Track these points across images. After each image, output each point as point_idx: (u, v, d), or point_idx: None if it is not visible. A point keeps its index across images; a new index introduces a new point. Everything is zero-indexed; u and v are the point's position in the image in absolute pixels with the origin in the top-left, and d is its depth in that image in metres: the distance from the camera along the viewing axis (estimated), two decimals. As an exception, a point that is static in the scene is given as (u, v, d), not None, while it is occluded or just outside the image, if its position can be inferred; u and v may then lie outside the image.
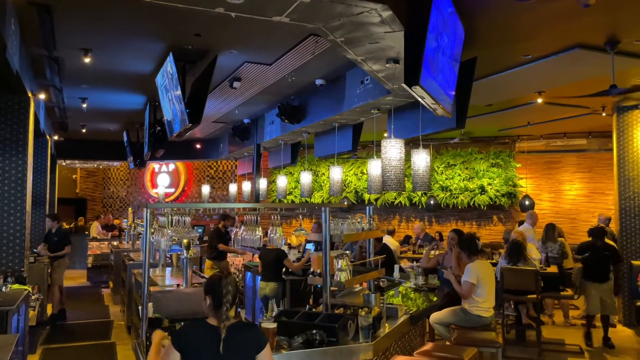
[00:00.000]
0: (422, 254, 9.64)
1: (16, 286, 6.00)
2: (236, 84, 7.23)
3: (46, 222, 8.73)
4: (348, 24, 4.03)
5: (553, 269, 7.66)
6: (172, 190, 17.02)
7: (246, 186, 12.16)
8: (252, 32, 5.42)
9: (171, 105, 6.63)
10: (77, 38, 5.75)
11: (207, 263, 9.02)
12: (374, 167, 7.23)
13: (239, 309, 7.94)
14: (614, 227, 9.12)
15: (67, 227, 15.19)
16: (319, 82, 7.30)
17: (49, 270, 8.21)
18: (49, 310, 8.42)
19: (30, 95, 6.60)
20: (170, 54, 5.90)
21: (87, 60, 6.19)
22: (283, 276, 7.03)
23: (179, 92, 6.06)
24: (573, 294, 7.24)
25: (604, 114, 9.04)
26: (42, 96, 7.62)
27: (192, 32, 5.45)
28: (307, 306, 4.38)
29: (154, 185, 17.11)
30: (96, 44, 5.95)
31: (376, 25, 4.07)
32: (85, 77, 7.34)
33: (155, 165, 16.92)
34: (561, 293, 7.26)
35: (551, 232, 8.30)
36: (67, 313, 8.64)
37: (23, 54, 5.68)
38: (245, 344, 2.67)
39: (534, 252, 8.02)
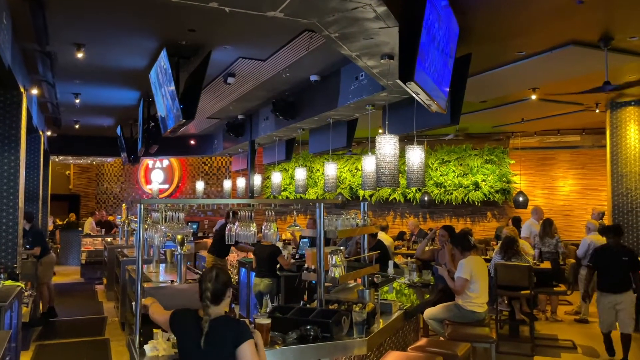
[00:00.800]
0: (416, 250, 9.68)
1: (9, 282, 5.97)
2: (230, 80, 7.20)
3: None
4: (342, 19, 4.02)
5: (546, 264, 7.70)
6: (166, 186, 16.98)
7: (240, 182, 12.14)
8: (247, 27, 5.40)
9: (165, 101, 6.60)
10: (69, 33, 5.70)
11: (210, 258, 8.48)
12: (369, 164, 7.23)
13: (233, 305, 7.95)
14: (607, 222, 9.18)
15: (60, 223, 15.16)
16: (313, 78, 7.28)
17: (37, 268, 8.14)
18: (41, 307, 8.38)
19: (22, 90, 6.55)
20: (164, 49, 5.87)
21: (80, 55, 6.14)
22: (277, 272, 7.03)
23: (172, 87, 6.03)
24: (566, 289, 7.29)
25: (597, 111, 9.08)
26: (34, 91, 7.56)
27: (186, 27, 5.42)
28: (302, 302, 4.39)
29: (148, 182, 17.05)
30: (89, 39, 5.90)
31: (371, 21, 4.06)
32: (78, 72, 7.29)
33: (149, 161, 16.87)
34: (554, 289, 7.30)
35: (549, 227, 8.37)
36: (61, 309, 8.61)
37: (15, 48, 5.64)
38: (223, 338, 2.69)
39: (528, 248, 8.07)
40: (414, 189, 12.98)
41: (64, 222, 15.18)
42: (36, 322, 7.83)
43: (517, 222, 10.33)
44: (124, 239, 10.43)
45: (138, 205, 3.46)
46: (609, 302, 6.06)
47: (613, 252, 6.14)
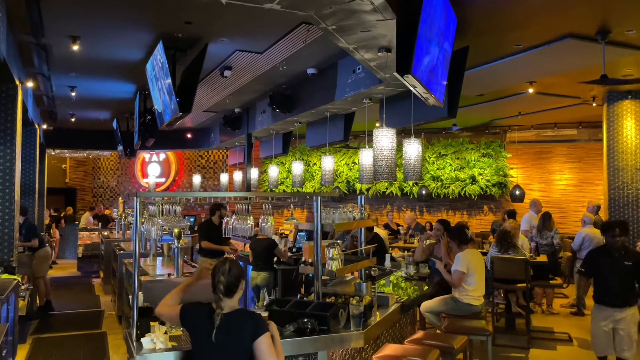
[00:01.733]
0: (412, 243, 9.69)
1: (5, 276, 5.96)
2: (227, 73, 7.17)
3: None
4: (339, 11, 4.00)
5: (543, 257, 7.73)
6: (163, 180, 16.94)
7: (237, 176, 12.12)
8: (243, 19, 5.37)
9: (161, 94, 6.57)
10: (65, 25, 5.66)
11: (201, 261, 7.87)
12: (366, 157, 7.22)
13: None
14: (603, 216, 9.21)
15: (59, 215, 15.11)
16: (310, 71, 7.26)
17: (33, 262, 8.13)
18: (38, 301, 8.37)
19: (18, 83, 6.51)
20: (160, 42, 5.84)
21: (75, 47, 6.10)
22: (275, 265, 7.04)
23: (169, 80, 6.00)
24: (562, 282, 7.31)
25: (594, 104, 9.09)
26: (30, 84, 7.51)
27: (182, 20, 5.38)
28: (299, 295, 4.39)
29: (145, 175, 17.01)
30: (85, 31, 5.87)
31: (368, 13, 4.04)
32: (74, 65, 7.25)
33: (145, 155, 16.81)
34: (550, 282, 7.33)
35: (548, 221, 8.41)
36: (57, 303, 8.59)
37: (10, 41, 5.59)
38: (239, 331, 2.68)
39: (525, 242, 8.10)
40: (411, 183, 12.99)
41: (62, 216, 15.12)
42: (33, 315, 7.83)
43: (512, 215, 10.35)
44: (121, 232, 10.42)
45: (134, 198, 3.44)
46: (606, 318, 4.83)
47: (614, 256, 4.80)
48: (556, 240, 8.26)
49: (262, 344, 2.66)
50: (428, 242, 6.94)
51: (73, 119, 11.66)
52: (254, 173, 11.26)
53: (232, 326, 2.68)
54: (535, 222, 8.92)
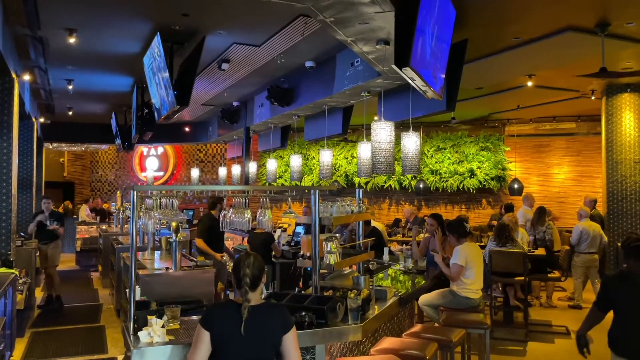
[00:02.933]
0: (412, 237, 9.68)
1: (3, 270, 5.95)
2: (225, 66, 7.13)
3: (44, 205, 8.41)
4: (338, 3, 3.97)
5: (541, 251, 7.73)
6: (161, 173, 16.92)
7: (236, 170, 12.10)
8: (241, 12, 5.33)
9: (158, 87, 6.53)
10: (61, 17, 5.62)
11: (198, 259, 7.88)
12: (364, 150, 7.20)
13: (228, 292, 7.97)
14: (601, 209, 9.21)
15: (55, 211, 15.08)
16: (308, 64, 7.22)
17: (44, 253, 8.14)
18: (38, 294, 8.35)
19: (14, 76, 6.47)
20: (158, 34, 5.80)
21: (72, 40, 6.06)
22: (273, 259, 7.03)
23: (166, 73, 5.96)
24: (560, 276, 7.32)
25: (593, 98, 9.07)
26: (26, 77, 7.48)
27: (179, 12, 5.35)
28: (297, 288, 4.39)
29: (143, 169, 16.99)
30: (81, 24, 5.82)
31: (366, 5, 4.01)
32: (71, 57, 7.21)
33: (143, 149, 16.78)
34: (548, 275, 7.34)
35: (543, 215, 8.40)
36: (56, 296, 8.61)
37: (6, 33, 5.56)
38: (269, 325, 2.67)
39: (524, 235, 8.10)
40: (409, 176, 12.98)
41: (59, 210, 15.08)
42: (50, 305, 7.89)
43: (509, 209, 10.35)
44: (119, 226, 10.40)
45: (131, 192, 3.42)
46: None
47: (635, 283, 3.36)
48: (548, 236, 8.25)
49: (292, 338, 2.67)
50: (420, 237, 6.93)
51: (70, 112, 11.62)
52: (252, 167, 11.25)
53: (261, 319, 2.66)
54: (530, 215, 8.92)
